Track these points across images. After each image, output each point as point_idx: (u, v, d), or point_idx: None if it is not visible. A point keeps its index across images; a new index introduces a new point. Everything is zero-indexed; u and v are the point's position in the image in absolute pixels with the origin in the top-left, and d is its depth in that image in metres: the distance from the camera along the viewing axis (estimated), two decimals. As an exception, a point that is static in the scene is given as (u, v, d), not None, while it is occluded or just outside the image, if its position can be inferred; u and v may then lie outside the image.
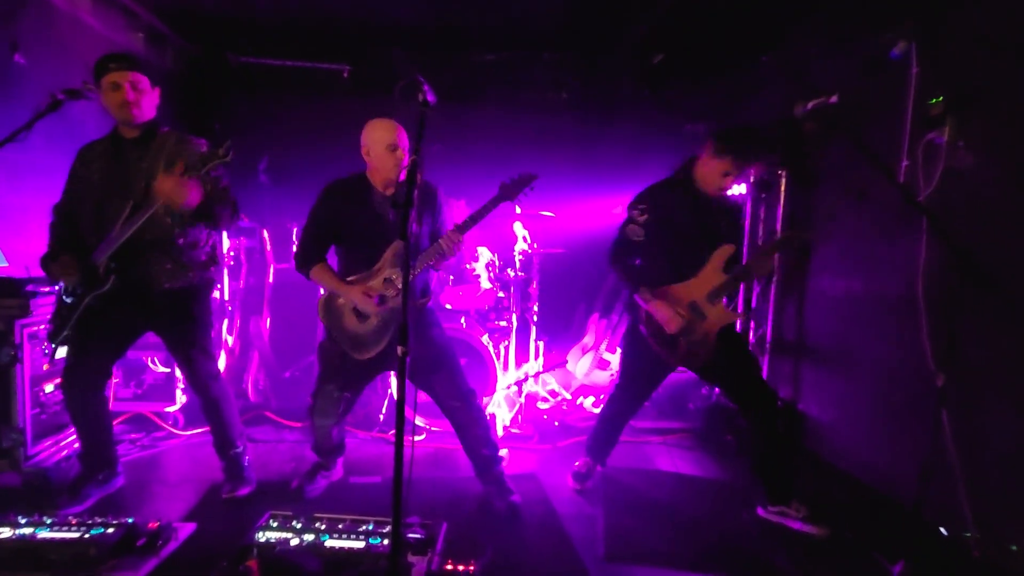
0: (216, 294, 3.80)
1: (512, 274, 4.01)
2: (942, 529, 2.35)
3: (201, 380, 2.53)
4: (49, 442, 2.70)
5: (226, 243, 3.80)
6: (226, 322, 3.84)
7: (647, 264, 2.60)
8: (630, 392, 2.78)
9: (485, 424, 2.60)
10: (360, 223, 2.44)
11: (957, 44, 2.41)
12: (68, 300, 2.33)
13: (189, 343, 2.49)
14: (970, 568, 2.20)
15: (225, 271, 3.83)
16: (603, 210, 4.52)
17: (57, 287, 2.39)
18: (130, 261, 2.32)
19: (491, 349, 3.53)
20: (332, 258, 2.58)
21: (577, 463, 2.87)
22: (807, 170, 3.38)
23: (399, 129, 2.39)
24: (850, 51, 2.98)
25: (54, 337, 2.36)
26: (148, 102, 2.36)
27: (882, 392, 2.78)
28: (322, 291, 2.59)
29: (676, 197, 2.55)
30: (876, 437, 2.81)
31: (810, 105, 1.97)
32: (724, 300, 2.52)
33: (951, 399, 2.16)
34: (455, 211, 4.16)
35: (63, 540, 1.96)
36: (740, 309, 3.95)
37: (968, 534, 2.25)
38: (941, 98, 2.38)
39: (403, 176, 2.36)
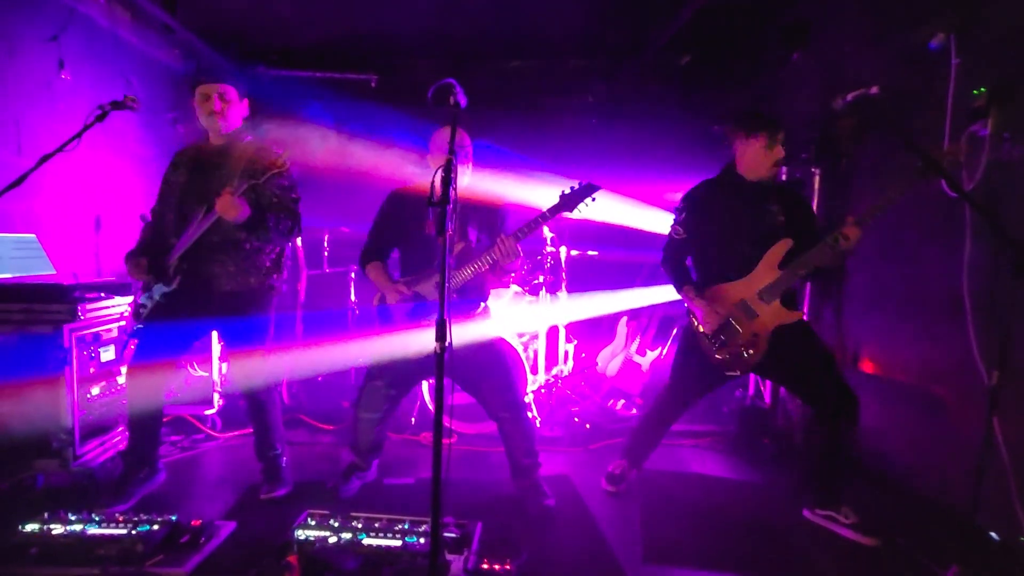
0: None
1: (542, 279, 4.01)
2: (993, 534, 2.26)
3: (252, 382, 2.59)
4: (95, 443, 2.77)
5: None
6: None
7: (697, 263, 2.60)
8: (678, 393, 2.73)
9: (531, 437, 2.61)
10: (414, 226, 2.54)
11: (999, 33, 2.35)
12: (144, 299, 2.50)
13: (243, 344, 2.56)
14: (1025, 574, 2.12)
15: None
16: (631, 213, 4.49)
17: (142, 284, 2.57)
18: (198, 261, 2.45)
19: (520, 351, 3.52)
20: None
21: (612, 465, 2.84)
22: (841, 168, 3.31)
23: (465, 136, 2.52)
24: (886, 46, 2.91)
25: (137, 316, 2.53)
26: (234, 112, 2.51)
27: (929, 394, 2.69)
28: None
29: (715, 194, 2.55)
30: (923, 440, 2.72)
31: (850, 96, 1.93)
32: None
33: (1002, 399, 2.08)
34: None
35: (111, 536, 2.02)
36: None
37: (1022, 538, 2.16)
38: (984, 89, 2.32)
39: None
